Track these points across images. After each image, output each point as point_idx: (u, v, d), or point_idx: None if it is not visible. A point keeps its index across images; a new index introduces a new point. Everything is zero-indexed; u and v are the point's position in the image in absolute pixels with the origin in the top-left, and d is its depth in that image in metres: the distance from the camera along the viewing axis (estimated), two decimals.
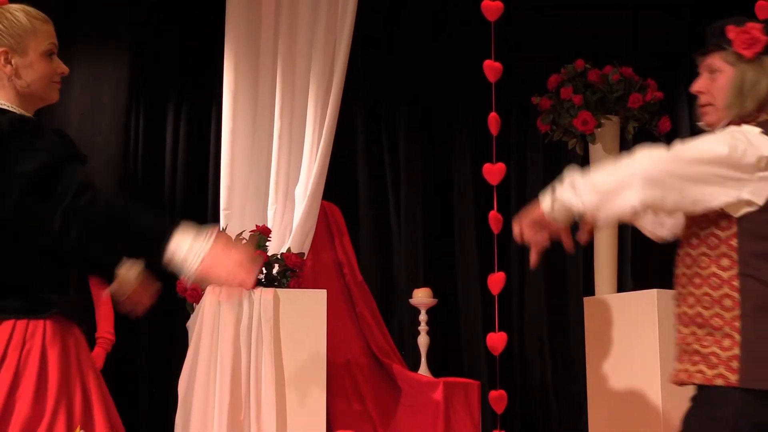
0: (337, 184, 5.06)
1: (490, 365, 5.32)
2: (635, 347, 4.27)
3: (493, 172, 4.81)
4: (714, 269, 2.39)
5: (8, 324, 2.27)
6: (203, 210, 5.74)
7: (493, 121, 4.98)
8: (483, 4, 5.06)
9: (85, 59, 5.79)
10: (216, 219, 4.65)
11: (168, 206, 5.84)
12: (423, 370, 4.92)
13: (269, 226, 4.42)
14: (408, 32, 6.15)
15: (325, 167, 4.49)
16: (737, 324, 2.34)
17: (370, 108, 6.11)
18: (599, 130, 4.87)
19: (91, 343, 4.53)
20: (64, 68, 2.48)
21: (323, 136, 4.49)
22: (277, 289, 4.24)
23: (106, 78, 5.82)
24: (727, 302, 2.36)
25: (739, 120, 2.50)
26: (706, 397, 2.38)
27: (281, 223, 4.48)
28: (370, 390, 4.68)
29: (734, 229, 2.37)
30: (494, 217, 4.70)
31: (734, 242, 2.36)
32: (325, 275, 4.75)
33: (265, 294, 4.19)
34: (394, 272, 5.96)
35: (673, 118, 5.47)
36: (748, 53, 2.49)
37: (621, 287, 4.94)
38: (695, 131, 6.08)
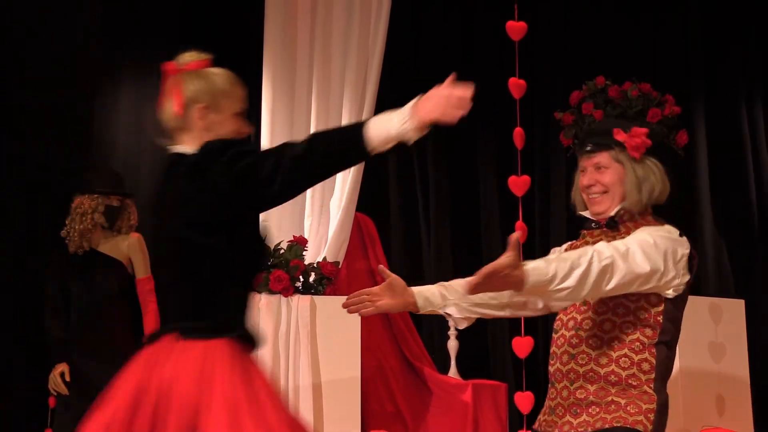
0: (370, 197, 5.08)
1: (517, 368, 5.30)
2: None
3: (519, 184, 4.81)
4: (638, 336, 2.61)
5: (199, 344, 2.29)
6: None
7: (519, 135, 4.98)
8: (508, 24, 5.07)
9: (131, 80, 5.85)
10: None
11: None
12: (452, 372, 4.91)
13: (305, 236, 4.44)
14: (436, 51, 6.16)
15: (358, 181, 4.51)
16: (652, 385, 2.59)
17: None
18: None
19: (139, 347, 4.56)
20: (248, 129, 2.58)
21: None
22: (314, 296, 4.26)
23: (151, 96, 5.87)
24: (645, 366, 2.60)
25: (629, 211, 2.73)
26: None
27: (317, 234, 4.50)
28: (402, 392, 4.68)
29: (662, 307, 2.61)
30: (520, 227, 4.69)
31: (661, 318, 2.61)
32: (358, 283, 4.76)
33: (302, 301, 4.21)
34: (424, 279, 5.96)
35: (691, 132, 5.44)
36: (637, 155, 2.71)
37: None
38: (712, 144, 6.08)
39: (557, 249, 2.96)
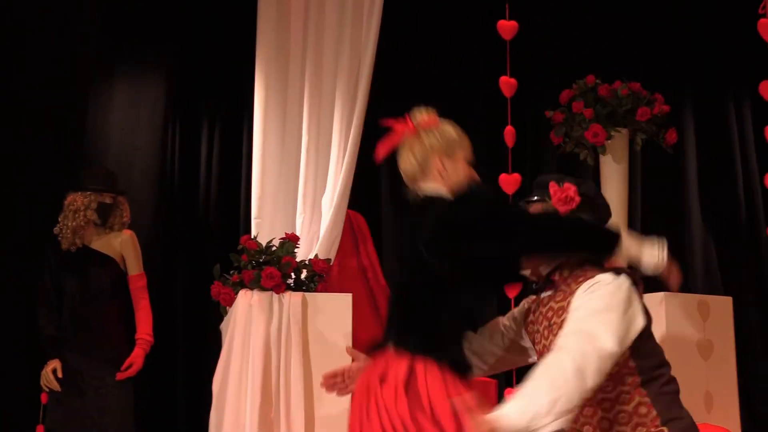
0: (362, 194, 5.06)
1: None
2: None
3: (509, 182, 4.81)
4: (620, 388, 2.55)
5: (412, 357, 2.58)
6: (236, 218, 5.76)
7: (509, 134, 4.98)
8: (499, 23, 5.07)
9: (125, 79, 5.84)
10: (247, 227, 4.67)
11: (203, 215, 5.87)
12: None
13: (298, 233, 4.43)
14: (428, 50, 6.16)
15: (350, 178, 4.50)
16: (658, 422, 2.52)
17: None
18: (609, 141, 4.86)
19: (131, 344, 4.56)
20: (476, 176, 2.90)
21: (348, 149, 4.50)
22: (305, 293, 4.24)
23: (144, 96, 5.86)
24: (643, 409, 2.54)
25: (566, 265, 2.71)
26: None
27: (309, 231, 4.48)
28: None
29: (628, 353, 2.54)
30: None
31: (632, 362, 2.55)
32: (350, 280, 4.75)
33: (294, 298, 4.20)
34: None
35: (680, 130, 5.44)
36: (562, 209, 2.73)
37: None
38: (700, 143, 6.08)
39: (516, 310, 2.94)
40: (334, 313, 4.23)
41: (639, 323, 2.54)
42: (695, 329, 4.38)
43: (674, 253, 5.92)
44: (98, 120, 5.74)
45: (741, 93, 5.97)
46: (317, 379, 4.13)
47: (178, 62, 5.93)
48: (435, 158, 2.82)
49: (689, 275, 5.71)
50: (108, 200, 4.61)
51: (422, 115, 2.92)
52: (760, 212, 5.80)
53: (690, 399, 4.28)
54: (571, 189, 2.75)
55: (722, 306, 4.55)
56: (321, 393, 4.14)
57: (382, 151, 2.93)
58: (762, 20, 4.96)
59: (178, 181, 5.89)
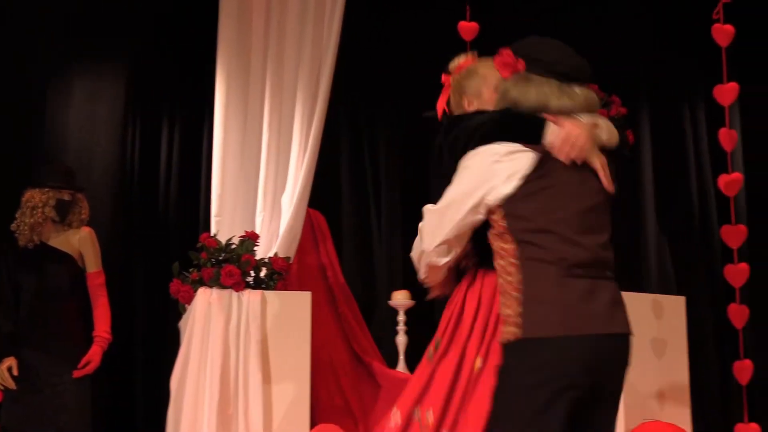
0: (322, 192, 5.07)
1: None
2: None
3: None
4: (501, 244, 2.66)
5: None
6: (195, 216, 5.74)
7: None
8: (459, 24, 5.11)
9: (85, 75, 5.79)
10: (207, 225, 4.66)
11: (162, 212, 5.83)
12: (401, 367, 4.93)
13: (257, 231, 4.43)
14: (390, 48, 6.17)
15: (310, 176, 4.50)
16: (520, 287, 2.58)
17: (353, 121, 6.12)
18: None
19: (89, 341, 4.52)
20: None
21: (308, 148, 4.51)
22: (265, 291, 4.24)
23: (104, 93, 5.82)
24: (512, 269, 2.62)
25: None
26: (505, 351, 2.61)
27: (269, 229, 4.48)
28: (351, 386, 4.68)
29: (501, 213, 2.65)
30: None
31: (504, 223, 2.65)
32: (309, 278, 4.76)
33: (253, 296, 4.20)
34: (375, 275, 5.97)
35: (636, 132, 5.51)
36: (504, 74, 2.80)
37: None
38: (657, 145, 6.14)
39: None
40: (293, 311, 4.24)
41: (496, 190, 2.64)
42: (649, 328, 4.44)
43: (629, 253, 5.96)
44: (57, 116, 5.69)
45: (696, 96, 6.06)
46: (275, 377, 4.14)
47: (138, 59, 5.88)
48: (464, 100, 3.06)
49: (643, 275, 5.79)
50: (66, 197, 4.57)
51: (456, 61, 3.12)
52: (713, 213, 5.89)
53: (643, 397, 4.35)
54: (507, 53, 2.79)
55: (675, 306, 4.62)
56: (279, 390, 4.15)
57: (439, 108, 3.14)
58: (716, 25, 5.04)
59: (137, 178, 5.85)
